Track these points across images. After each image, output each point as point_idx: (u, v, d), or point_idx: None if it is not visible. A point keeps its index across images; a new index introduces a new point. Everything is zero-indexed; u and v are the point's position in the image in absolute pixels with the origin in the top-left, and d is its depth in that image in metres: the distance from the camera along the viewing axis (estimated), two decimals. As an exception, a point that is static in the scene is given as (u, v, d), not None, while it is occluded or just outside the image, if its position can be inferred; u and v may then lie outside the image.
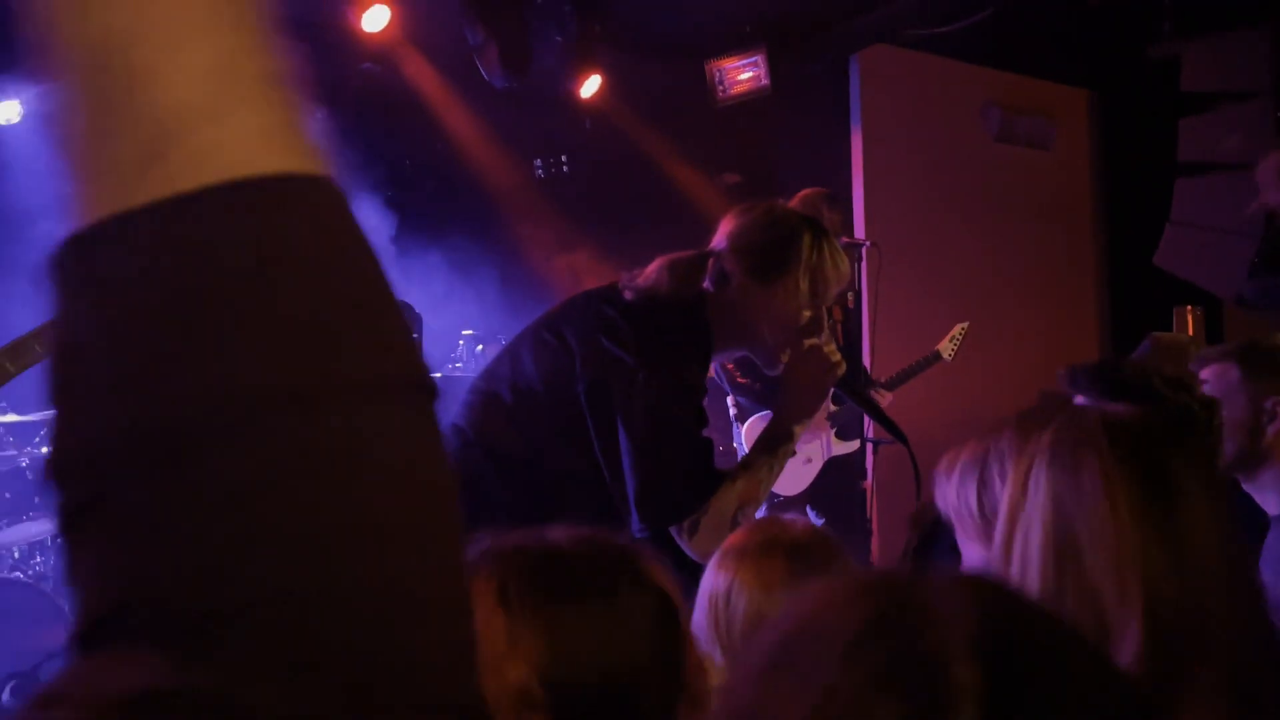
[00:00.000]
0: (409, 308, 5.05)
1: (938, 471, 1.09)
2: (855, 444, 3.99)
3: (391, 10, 4.29)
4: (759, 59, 5.05)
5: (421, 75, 5.09)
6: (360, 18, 4.27)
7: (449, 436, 1.96)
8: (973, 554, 1.05)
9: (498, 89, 4.73)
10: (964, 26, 4.82)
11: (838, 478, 3.98)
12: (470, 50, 4.59)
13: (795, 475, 3.91)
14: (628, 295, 1.91)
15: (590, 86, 5.04)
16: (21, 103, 5.09)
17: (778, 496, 3.88)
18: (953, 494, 1.06)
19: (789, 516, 1.78)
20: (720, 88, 5.25)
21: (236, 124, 0.35)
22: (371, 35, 4.42)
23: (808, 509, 4.02)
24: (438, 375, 5.38)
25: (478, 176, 5.91)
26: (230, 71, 0.35)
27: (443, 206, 6.20)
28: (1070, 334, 5.33)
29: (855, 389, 2.32)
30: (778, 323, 1.93)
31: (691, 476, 1.86)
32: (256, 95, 0.36)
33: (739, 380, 3.82)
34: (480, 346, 5.73)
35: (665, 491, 1.83)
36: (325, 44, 4.86)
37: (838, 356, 1.97)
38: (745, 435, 3.89)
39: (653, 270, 1.94)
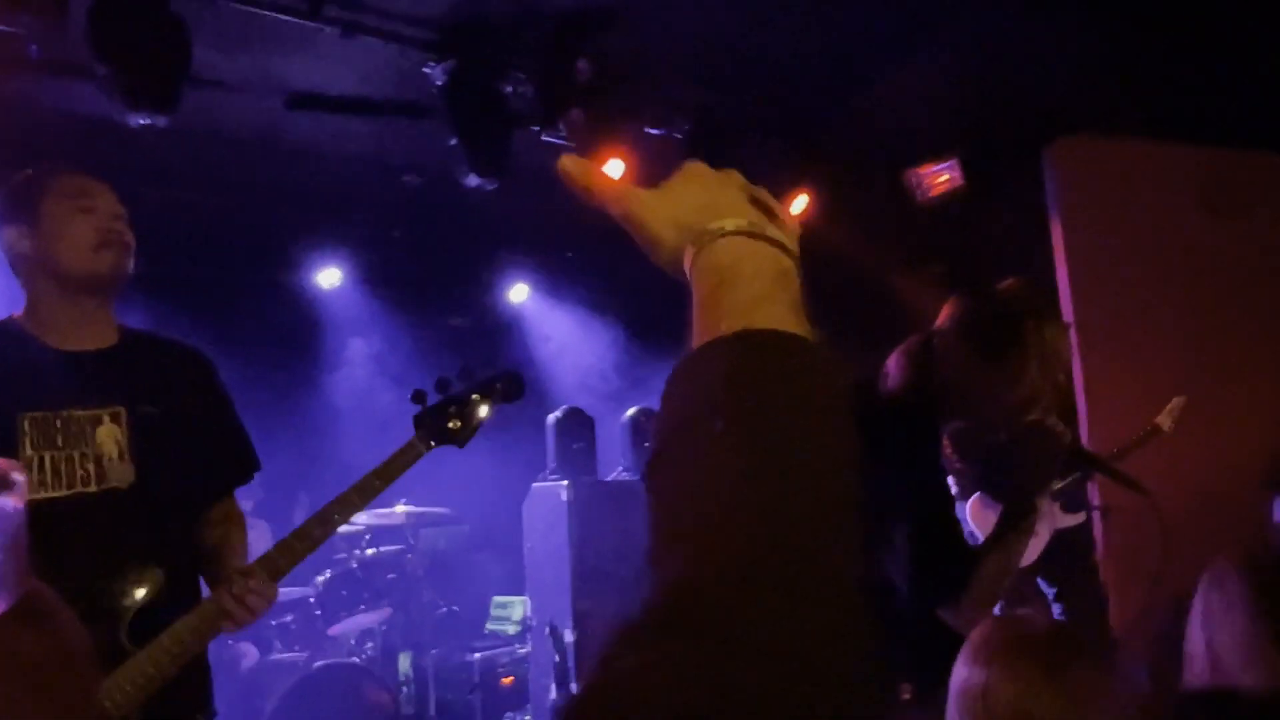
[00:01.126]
0: (579, 412, 5.31)
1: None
2: (1081, 516, 3.95)
3: (625, 162, 4.69)
4: (953, 164, 5.18)
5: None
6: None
7: None
8: None
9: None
10: (1157, 109, 4.76)
11: (1066, 549, 3.93)
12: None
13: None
14: (882, 395, 2.00)
15: (799, 205, 5.28)
16: (342, 272, 5.88)
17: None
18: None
19: (1025, 611, 1.78)
20: (919, 191, 5.40)
21: (772, 309, 0.61)
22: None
23: (1038, 580, 3.98)
24: (609, 479, 5.57)
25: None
26: (774, 291, 0.63)
27: (663, 321, 6.58)
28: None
29: (1091, 457, 2.30)
30: (999, 401, 1.92)
31: (959, 555, 1.94)
32: (784, 299, 0.62)
33: (955, 465, 3.88)
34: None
35: (941, 570, 1.91)
36: (568, 197, 5.40)
37: (1062, 428, 1.97)
38: (970, 513, 3.93)
39: (894, 369, 2.02)
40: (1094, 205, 5.11)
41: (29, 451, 1.89)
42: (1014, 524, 1.94)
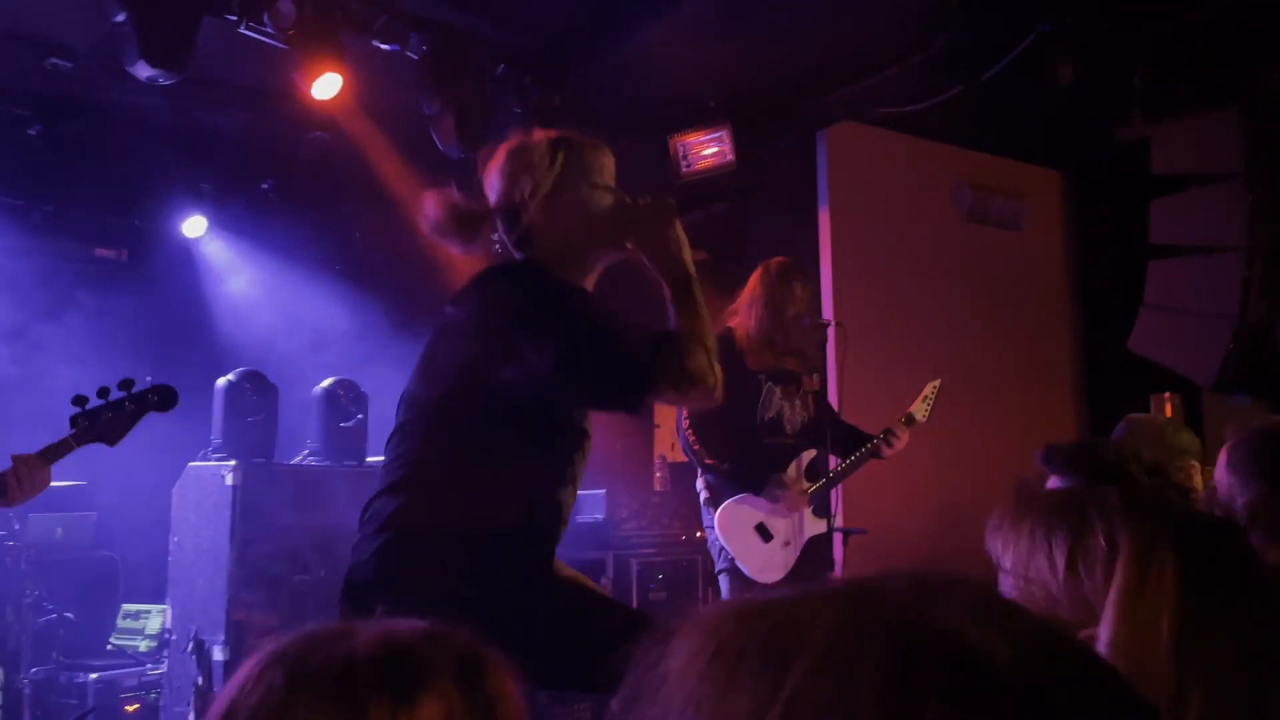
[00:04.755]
0: (355, 387, 5.14)
1: (991, 529, 1.17)
2: (823, 525, 4.09)
3: (344, 78, 4.45)
4: (724, 134, 5.30)
5: (374, 146, 5.26)
6: (310, 85, 4.42)
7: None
8: None
9: (453, 160, 4.89)
10: (933, 105, 5.07)
11: (811, 565, 4.05)
12: (425, 120, 4.75)
13: (773, 560, 3.99)
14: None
15: (550, 159, 5.20)
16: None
17: (758, 588, 3.94)
18: (1020, 559, 1.13)
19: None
20: (684, 163, 5.49)
21: None
22: (322, 103, 4.57)
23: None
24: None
25: (430, 251, 6.05)
26: None
27: (391, 280, 6.33)
28: (1045, 419, 5.52)
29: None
30: (588, 218, 2.23)
31: (654, 340, 2.13)
32: None
33: (706, 460, 3.91)
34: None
35: (646, 358, 2.09)
36: (273, 112, 5.03)
37: (659, 201, 2.24)
38: (718, 521, 3.95)
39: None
40: (864, 197, 5.38)
41: None
42: (687, 289, 2.20)
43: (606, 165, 2.29)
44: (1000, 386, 5.50)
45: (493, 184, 2.28)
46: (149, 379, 3.19)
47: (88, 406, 3.04)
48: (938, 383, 4.16)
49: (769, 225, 5.60)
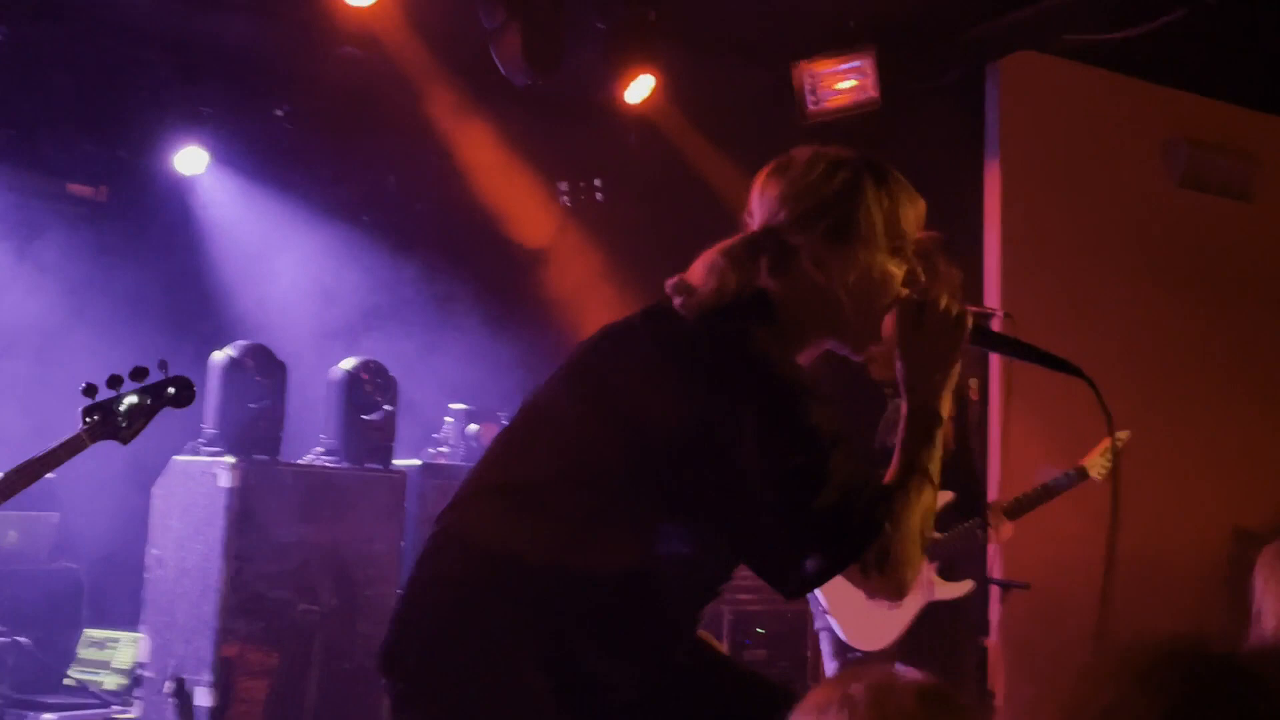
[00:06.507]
0: (383, 371, 5.18)
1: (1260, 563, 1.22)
2: (967, 586, 4.01)
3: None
4: (865, 64, 5.23)
5: (418, 66, 5.29)
6: (343, -12, 4.47)
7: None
8: None
9: (517, 87, 4.90)
10: (1143, 33, 4.95)
11: (943, 628, 3.99)
12: (485, 36, 4.77)
13: (879, 622, 3.94)
14: (686, 311, 2.06)
15: (639, 90, 5.22)
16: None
17: (855, 652, 3.91)
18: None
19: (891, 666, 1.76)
20: (812, 98, 5.44)
21: None
22: (356, 10, 4.62)
23: (897, 669, 4.02)
24: (416, 463, 5.48)
25: (483, 200, 6.09)
26: None
27: (433, 238, 6.38)
28: (1274, 445, 5.34)
29: (998, 336, 2.51)
30: (868, 287, 2.09)
31: (856, 494, 1.97)
32: None
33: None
34: (474, 426, 5.84)
35: (830, 522, 1.94)
36: (294, 20, 5.09)
37: (957, 306, 2.10)
38: None
39: (704, 271, 2.09)
40: (1045, 151, 5.28)
41: None
42: (926, 440, 2.05)
43: (913, 221, 2.14)
44: (1215, 401, 5.35)
45: (785, 192, 2.11)
46: (164, 365, 3.36)
47: (98, 398, 3.23)
48: (1126, 435, 3.92)
49: (919, 184, 5.52)
